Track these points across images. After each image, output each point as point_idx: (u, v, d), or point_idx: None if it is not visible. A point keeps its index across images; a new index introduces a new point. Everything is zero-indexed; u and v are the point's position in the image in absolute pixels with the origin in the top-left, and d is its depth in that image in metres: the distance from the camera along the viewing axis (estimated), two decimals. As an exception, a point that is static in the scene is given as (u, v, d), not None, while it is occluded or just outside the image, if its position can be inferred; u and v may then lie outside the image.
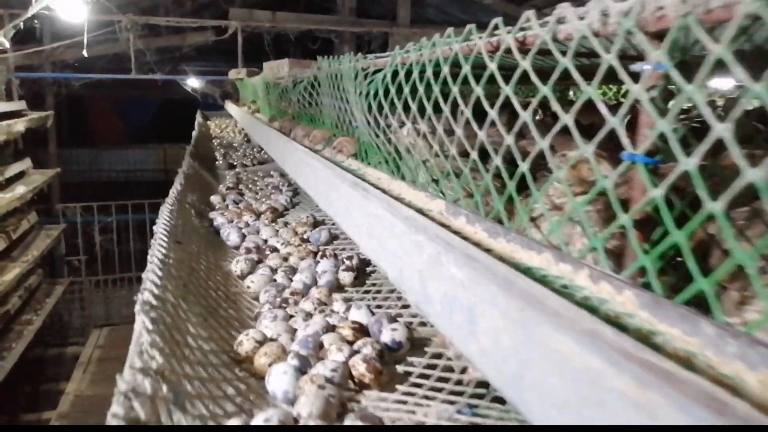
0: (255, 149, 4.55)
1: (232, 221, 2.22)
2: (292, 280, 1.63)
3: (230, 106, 6.88)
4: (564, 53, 0.92)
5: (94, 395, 6.55)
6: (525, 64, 1.01)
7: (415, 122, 1.55)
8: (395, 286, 1.00)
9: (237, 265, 1.70)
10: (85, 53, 6.46)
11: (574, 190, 1.20)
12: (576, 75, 0.90)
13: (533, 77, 0.98)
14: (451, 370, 1.09)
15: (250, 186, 3.11)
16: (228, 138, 5.37)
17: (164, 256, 1.39)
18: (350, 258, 1.73)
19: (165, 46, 9.08)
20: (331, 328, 1.28)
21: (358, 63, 2.03)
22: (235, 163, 3.90)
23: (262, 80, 5.03)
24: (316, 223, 2.20)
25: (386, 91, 1.73)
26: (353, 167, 1.87)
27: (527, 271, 0.86)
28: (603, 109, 0.85)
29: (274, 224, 2.22)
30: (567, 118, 0.92)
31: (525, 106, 1.03)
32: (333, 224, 2.20)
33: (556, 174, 0.99)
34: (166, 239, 1.52)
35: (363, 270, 1.72)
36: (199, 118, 6.06)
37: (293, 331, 1.28)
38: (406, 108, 1.54)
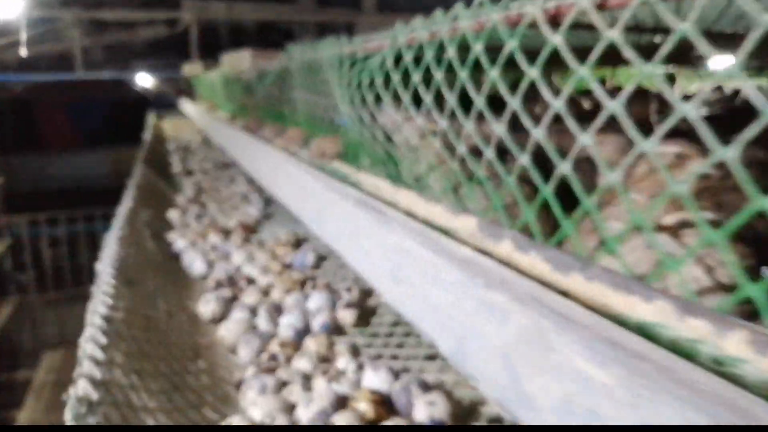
0: (216, 151, 4.17)
1: (195, 244, 1.86)
2: (277, 324, 1.29)
3: (185, 105, 6.45)
4: (611, 25, 0.61)
5: (52, 423, 6.09)
6: (557, 39, 0.69)
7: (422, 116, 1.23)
8: (451, 363, 0.69)
9: (206, 306, 1.35)
10: (23, 53, 5.95)
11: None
12: (629, 53, 0.59)
13: (568, 57, 0.67)
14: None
15: (213, 195, 2.74)
16: (185, 140, 4.97)
17: (111, 310, 1.04)
18: (349, 290, 1.39)
19: (113, 43, 8.56)
20: (341, 402, 0.95)
21: (344, 48, 1.69)
22: (193, 169, 3.52)
23: (221, 75, 4.64)
24: (298, 242, 1.86)
25: (386, 80, 1.40)
26: (342, 172, 1.53)
27: (640, 330, 0.55)
28: (671, 94, 0.54)
29: (246, 244, 1.87)
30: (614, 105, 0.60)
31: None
32: (320, 240, 1.86)
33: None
34: (113, 282, 1.17)
35: (363, 301, 1.39)
36: (151, 119, 5.62)
37: (290, 409, 0.95)
38: (416, 100, 1.21)
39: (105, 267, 1.23)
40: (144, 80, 8.65)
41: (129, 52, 8.87)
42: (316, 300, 1.37)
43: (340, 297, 1.38)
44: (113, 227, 1.65)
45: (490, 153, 0.86)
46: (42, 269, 7.59)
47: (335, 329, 1.29)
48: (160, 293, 1.35)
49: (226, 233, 1.99)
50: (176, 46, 9.69)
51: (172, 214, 2.24)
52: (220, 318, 1.35)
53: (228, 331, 1.23)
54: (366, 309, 1.35)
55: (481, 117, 0.89)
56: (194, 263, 1.67)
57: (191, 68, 6.35)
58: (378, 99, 1.44)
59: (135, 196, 2.09)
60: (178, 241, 1.83)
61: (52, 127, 14.15)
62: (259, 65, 3.20)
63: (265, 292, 1.47)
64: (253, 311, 1.34)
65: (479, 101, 0.90)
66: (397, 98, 1.68)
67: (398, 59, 1.28)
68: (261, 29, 8.60)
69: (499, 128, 0.86)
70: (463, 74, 0.92)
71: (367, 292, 1.44)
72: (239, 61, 4.23)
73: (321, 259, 1.72)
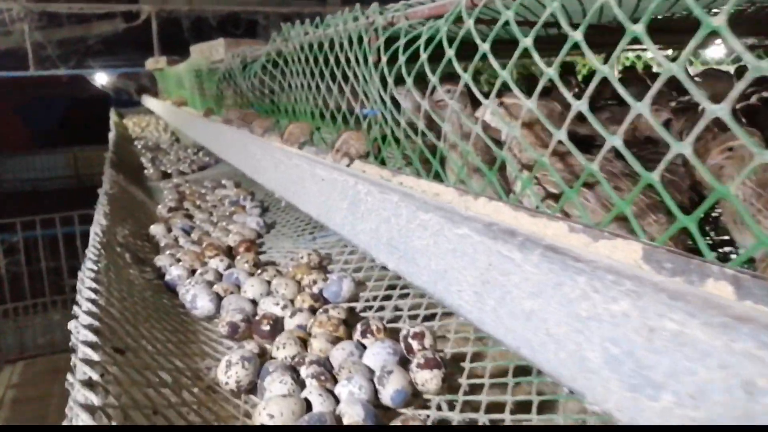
0: (190, 150, 3.69)
1: (192, 270, 1.43)
2: (334, 395, 0.89)
3: (149, 101, 5.90)
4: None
5: (7, 448, 5.56)
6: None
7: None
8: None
9: (228, 373, 0.93)
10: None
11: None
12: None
13: None
14: None
15: (198, 203, 2.29)
16: (152, 138, 4.45)
17: (101, 415, 0.62)
18: (421, 337, 1.00)
19: (68, 38, 7.88)
20: None
21: (378, 18, 1.29)
22: (169, 171, 3.04)
23: (190, 67, 4.15)
24: (322, 263, 1.45)
25: (436, 58, 1.00)
26: (385, 176, 1.13)
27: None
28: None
29: (257, 268, 1.45)
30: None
31: None
32: (349, 262, 1.46)
33: None
34: (94, 358, 0.74)
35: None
36: (114, 117, 5.08)
37: None
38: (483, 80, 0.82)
39: (83, 331, 0.79)
40: (102, 78, 8.01)
41: (85, 48, 8.21)
42: (377, 353, 0.97)
43: (412, 349, 0.98)
44: (86, 258, 1.21)
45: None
46: (-2, 278, 6.93)
47: (413, 394, 0.90)
48: (163, 358, 0.92)
49: (228, 253, 1.56)
50: (135, 42, 9.04)
51: (155, 230, 1.79)
52: (249, 389, 0.94)
53: (271, 416, 0.81)
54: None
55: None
56: (198, 300, 1.24)
57: (154, 62, 5.79)
58: (420, 80, 1.05)
59: (107, 209, 1.64)
60: (170, 268, 1.39)
61: (5, 128, 13.27)
62: (242, 53, 2.75)
63: (303, 342, 1.05)
64: (296, 377, 0.93)
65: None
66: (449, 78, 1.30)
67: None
68: (222, 22, 8.04)
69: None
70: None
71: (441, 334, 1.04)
72: (212, 51, 3.75)
73: (359, 284, 1.32)
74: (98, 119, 6.42)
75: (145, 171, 2.97)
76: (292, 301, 1.26)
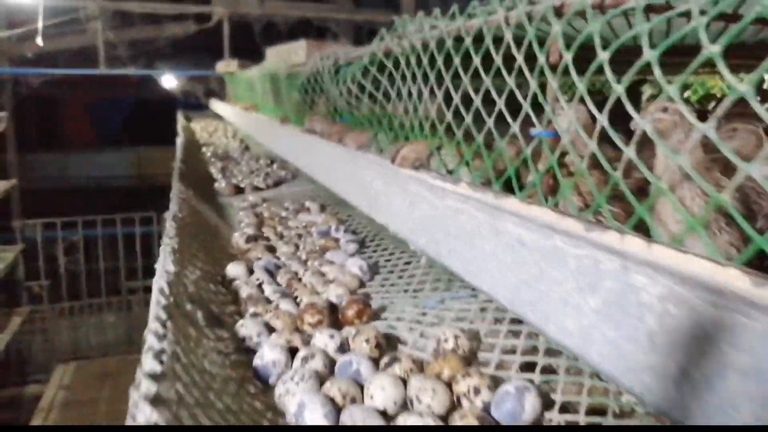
0: (262, 161, 3.29)
1: (290, 348, 0.98)
2: None
3: (218, 105, 5.58)
4: None
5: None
6: None
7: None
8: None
9: None
10: (39, 41, 5.09)
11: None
12: None
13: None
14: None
15: (280, 230, 1.86)
16: (221, 145, 4.09)
17: None
18: None
19: (139, 39, 7.68)
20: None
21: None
22: (242, 185, 2.64)
23: (266, 71, 3.77)
24: (475, 352, 0.98)
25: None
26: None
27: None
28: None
29: (381, 356, 0.99)
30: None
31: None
32: (515, 349, 0.99)
33: None
34: None
35: None
36: (181, 120, 4.74)
37: None
38: None
39: None
40: (170, 80, 7.77)
41: (155, 49, 8.01)
42: None
43: None
44: (148, 329, 0.79)
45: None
46: (56, 277, 6.71)
47: None
48: None
49: (332, 316, 1.12)
50: (205, 47, 8.83)
51: (234, 271, 1.37)
52: None
53: None
54: None
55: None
56: (306, 412, 0.79)
57: (225, 65, 5.48)
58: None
59: (175, 245, 1.22)
60: (262, 349, 0.95)
61: (74, 126, 13.35)
62: (334, 54, 2.33)
63: None
64: None
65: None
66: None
67: None
68: (293, 28, 7.71)
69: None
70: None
71: None
72: (291, 53, 3.36)
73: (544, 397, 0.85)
74: (163, 121, 6.16)
75: (216, 184, 2.57)
76: (444, 419, 0.81)
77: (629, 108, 0.77)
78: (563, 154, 0.98)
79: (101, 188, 10.82)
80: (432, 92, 1.51)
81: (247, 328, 1.04)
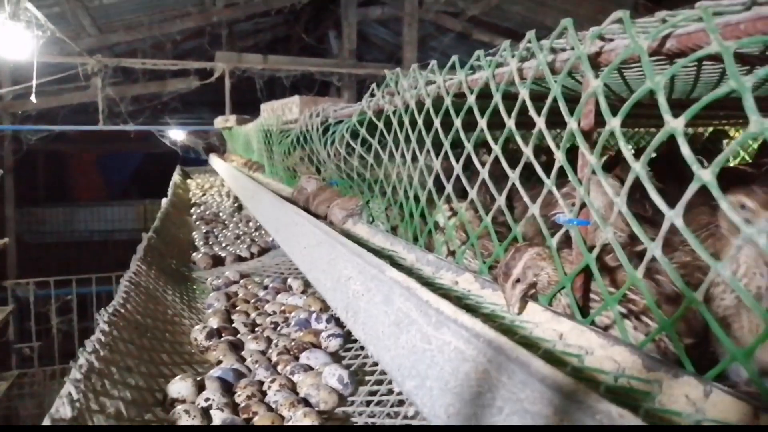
0: (252, 224, 3.01)
1: None
2: None
3: (215, 161, 5.35)
4: None
5: None
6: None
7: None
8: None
9: None
10: (33, 99, 4.89)
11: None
12: None
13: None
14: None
15: (253, 317, 1.56)
16: (213, 204, 3.82)
17: None
18: None
19: (142, 95, 7.55)
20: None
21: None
22: (222, 254, 2.34)
23: (259, 127, 3.53)
24: None
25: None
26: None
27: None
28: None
29: None
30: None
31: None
32: None
33: None
34: None
35: None
36: (176, 177, 4.49)
37: None
38: None
39: None
40: (174, 134, 7.59)
41: (158, 105, 7.87)
42: None
43: None
44: None
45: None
46: (48, 338, 6.37)
47: None
48: None
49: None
50: (208, 102, 8.70)
51: (177, 390, 1.05)
52: None
53: None
54: None
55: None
56: None
57: (223, 120, 5.27)
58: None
59: (93, 358, 0.91)
60: None
61: (83, 179, 13.24)
62: (323, 111, 2.07)
63: None
64: None
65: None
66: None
67: None
68: (296, 83, 7.56)
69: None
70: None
71: None
72: (285, 109, 3.11)
73: None
74: (170, 174, 5.95)
75: (193, 255, 2.27)
76: None
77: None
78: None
79: (107, 240, 10.59)
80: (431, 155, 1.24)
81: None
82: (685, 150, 0.54)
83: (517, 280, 0.82)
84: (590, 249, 0.76)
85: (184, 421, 0.96)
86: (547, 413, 0.44)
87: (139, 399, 1.01)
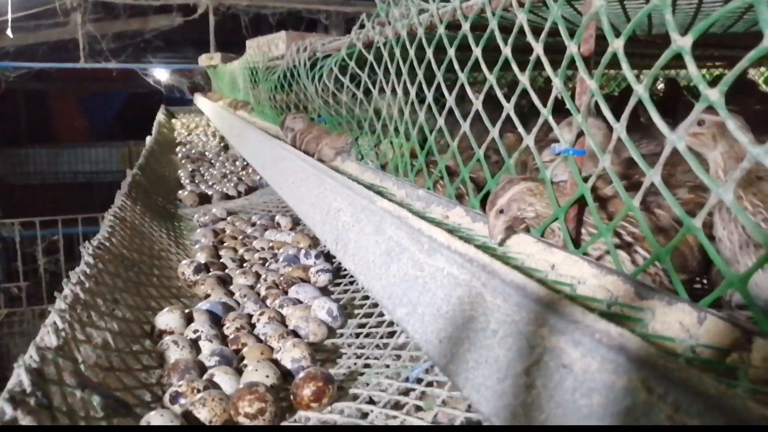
0: (239, 163, 2.96)
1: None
2: None
3: (201, 101, 5.24)
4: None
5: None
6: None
7: None
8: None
9: None
10: (9, 34, 4.71)
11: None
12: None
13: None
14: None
15: (240, 253, 1.55)
16: (198, 144, 3.75)
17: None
18: None
19: (124, 31, 7.30)
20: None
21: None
22: (209, 192, 2.31)
23: (245, 64, 3.44)
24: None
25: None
26: None
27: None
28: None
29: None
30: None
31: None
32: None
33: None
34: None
35: None
36: (160, 116, 4.40)
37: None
38: None
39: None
40: (159, 74, 7.39)
41: (141, 42, 7.63)
42: None
43: None
44: None
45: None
46: (36, 278, 6.35)
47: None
48: None
49: (282, 396, 0.81)
50: (192, 41, 8.46)
51: (164, 322, 1.05)
52: None
53: None
54: None
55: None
56: None
57: (208, 59, 5.14)
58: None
59: (79, 290, 0.90)
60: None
61: (66, 120, 12.94)
62: (311, 46, 2.01)
63: None
64: None
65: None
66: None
67: None
68: (282, 20, 7.34)
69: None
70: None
71: None
72: (271, 45, 3.03)
73: None
74: (154, 114, 5.83)
75: (180, 193, 2.24)
76: None
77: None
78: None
79: (92, 182, 10.47)
80: (420, 90, 1.20)
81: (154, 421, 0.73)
82: (692, 68, 0.52)
83: (501, 211, 0.80)
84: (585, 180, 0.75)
85: (173, 351, 0.95)
86: (544, 333, 0.43)
87: (126, 330, 1.00)
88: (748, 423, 0.29)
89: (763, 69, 2.94)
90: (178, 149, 3.43)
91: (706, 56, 2.43)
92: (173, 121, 5.13)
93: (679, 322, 0.58)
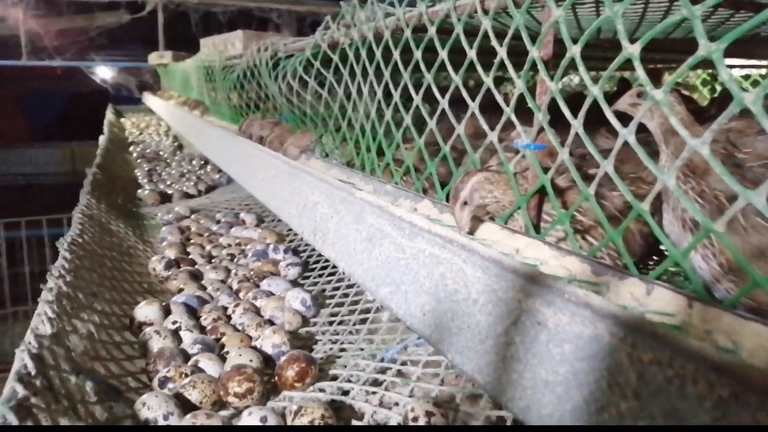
0: (195, 162, 2.97)
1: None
2: None
3: (151, 99, 5.17)
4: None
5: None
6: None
7: None
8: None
9: None
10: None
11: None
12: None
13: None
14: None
15: (208, 249, 1.58)
16: (152, 143, 3.72)
17: None
18: None
19: (68, 28, 7.12)
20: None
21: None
22: (169, 191, 2.32)
23: (200, 63, 3.44)
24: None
25: None
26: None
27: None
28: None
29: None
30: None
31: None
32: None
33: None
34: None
35: None
36: (109, 115, 4.33)
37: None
38: None
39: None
40: (103, 72, 7.23)
41: (86, 40, 7.45)
42: None
43: None
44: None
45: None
46: (-23, 283, 6.13)
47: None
48: None
49: (267, 377, 0.86)
50: (139, 38, 8.30)
51: (145, 314, 1.08)
52: None
53: None
54: None
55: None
56: None
57: (158, 57, 5.08)
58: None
59: (62, 283, 0.93)
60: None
61: (3, 120, 12.44)
62: (273, 46, 2.05)
63: None
64: None
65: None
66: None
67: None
68: (233, 19, 7.29)
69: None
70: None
71: None
72: (226, 45, 3.04)
73: None
74: (98, 115, 5.71)
75: (140, 192, 2.24)
76: None
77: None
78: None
79: (32, 184, 10.12)
80: (387, 89, 1.27)
81: (151, 408, 0.77)
82: (641, 73, 0.60)
83: (465, 203, 0.88)
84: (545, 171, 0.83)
85: (156, 341, 0.99)
86: (520, 297, 0.50)
87: (107, 323, 1.03)
88: (689, 353, 0.36)
89: (699, 71, 3.13)
90: (131, 148, 3.40)
91: (650, 59, 2.59)
92: (122, 120, 5.05)
93: (630, 294, 0.66)
